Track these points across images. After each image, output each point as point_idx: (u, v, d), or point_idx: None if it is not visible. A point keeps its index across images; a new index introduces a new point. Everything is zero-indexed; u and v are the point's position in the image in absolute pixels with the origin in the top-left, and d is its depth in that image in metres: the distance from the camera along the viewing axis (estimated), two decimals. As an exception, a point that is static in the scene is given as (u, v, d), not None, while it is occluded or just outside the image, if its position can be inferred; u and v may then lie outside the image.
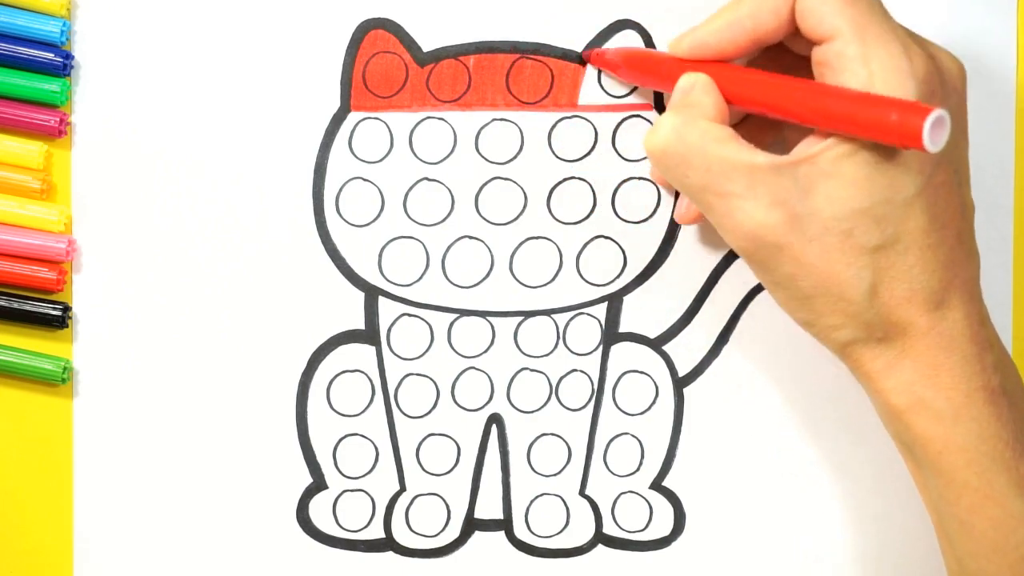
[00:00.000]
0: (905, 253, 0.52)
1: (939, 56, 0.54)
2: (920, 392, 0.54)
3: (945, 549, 0.57)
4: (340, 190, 0.62)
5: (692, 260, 0.63)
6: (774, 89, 0.53)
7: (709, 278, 0.63)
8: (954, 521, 0.55)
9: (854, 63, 0.51)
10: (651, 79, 0.59)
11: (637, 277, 0.63)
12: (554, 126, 0.62)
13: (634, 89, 0.62)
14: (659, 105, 0.62)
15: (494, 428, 0.63)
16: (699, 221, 0.61)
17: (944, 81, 0.53)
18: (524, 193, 0.62)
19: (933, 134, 0.48)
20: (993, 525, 0.54)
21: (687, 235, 0.63)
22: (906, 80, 0.51)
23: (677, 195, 0.62)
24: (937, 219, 0.53)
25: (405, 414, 0.63)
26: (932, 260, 0.53)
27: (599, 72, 0.62)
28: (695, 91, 0.55)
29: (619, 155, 0.62)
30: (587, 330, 0.63)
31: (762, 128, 0.58)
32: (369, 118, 0.62)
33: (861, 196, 0.51)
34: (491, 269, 0.62)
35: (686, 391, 0.63)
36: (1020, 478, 0.54)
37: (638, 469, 0.63)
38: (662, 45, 0.62)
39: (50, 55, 0.60)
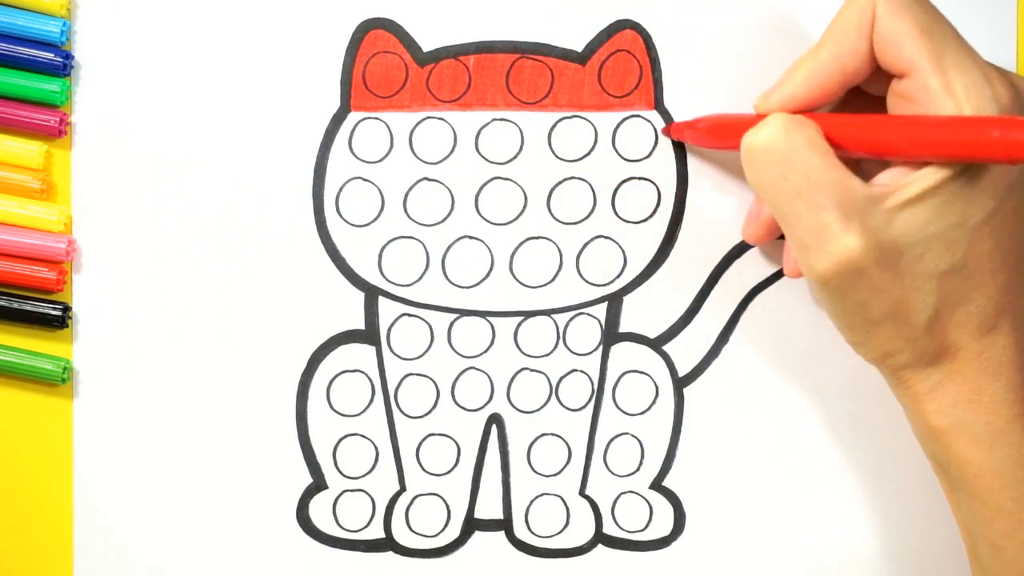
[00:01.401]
0: (969, 278, 0.53)
1: (1018, 83, 0.54)
2: (961, 415, 0.54)
3: (975, 570, 0.57)
4: (340, 190, 0.62)
5: (692, 260, 0.63)
6: (871, 128, 0.53)
7: (709, 278, 0.63)
8: (985, 544, 0.55)
9: (938, 95, 0.52)
10: (738, 141, 0.58)
11: (637, 277, 0.63)
12: (554, 126, 0.62)
13: (635, 89, 0.62)
14: (659, 105, 0.62)
15: (494, 428, 0.63)
16: (767, 240, 0.61)
17: (1022, 109, 0.53)
18: (524, 193, 0.62)
19: None
20: None
21: (687, 235, 0.63)
22: (990, 105, 0.51)
23: (679, 200, 0.62)
24: (1002, 244, 0.53)
25: (405, 414, 0.63)
26: (991, 285, 0.53)
27: (599, 72, 0.62)
28: (797, 117, 0.54)
29: (619, 155, 0.62)
30: (587, 330, 0.63)
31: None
32: (369, 118, 0.62)
33: (935, 221, 0.52)
34: (491, 269, 0.62)
35: (686, 391, 0.63)
36: None
37: (638, 469, 0.63)
38: (662, 45, 0.62)
39: (50, 55, 0.61)
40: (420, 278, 0.62)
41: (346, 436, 0.63)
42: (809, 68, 0.55)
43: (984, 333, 0.53)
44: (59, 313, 0.61)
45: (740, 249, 0.63)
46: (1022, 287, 0.54)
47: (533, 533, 0.63)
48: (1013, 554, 0.54)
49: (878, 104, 0.56)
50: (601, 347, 0.63)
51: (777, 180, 0.53)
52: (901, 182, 0.52)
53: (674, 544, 0.64)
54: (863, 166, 0.56)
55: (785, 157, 0.53)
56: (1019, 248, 0.54)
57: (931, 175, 0.51)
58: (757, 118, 0.56)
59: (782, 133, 0.53)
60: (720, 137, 0.60)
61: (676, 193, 0.62)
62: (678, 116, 0.62)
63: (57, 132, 0.61)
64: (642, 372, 0.63)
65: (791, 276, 0.62)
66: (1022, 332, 0.54)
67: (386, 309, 0.63)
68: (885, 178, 0.53)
